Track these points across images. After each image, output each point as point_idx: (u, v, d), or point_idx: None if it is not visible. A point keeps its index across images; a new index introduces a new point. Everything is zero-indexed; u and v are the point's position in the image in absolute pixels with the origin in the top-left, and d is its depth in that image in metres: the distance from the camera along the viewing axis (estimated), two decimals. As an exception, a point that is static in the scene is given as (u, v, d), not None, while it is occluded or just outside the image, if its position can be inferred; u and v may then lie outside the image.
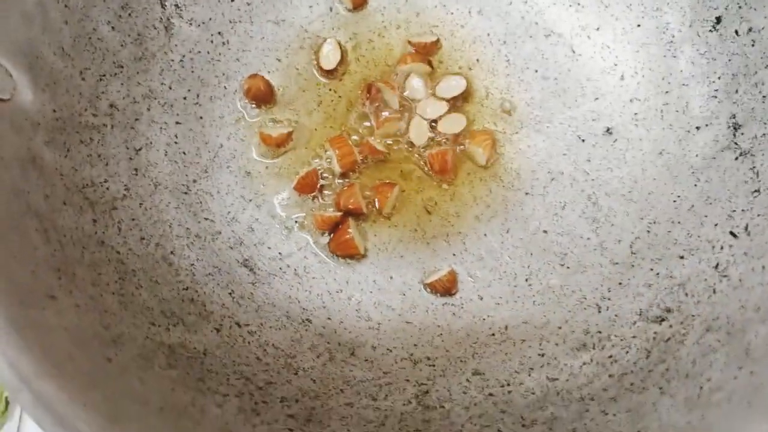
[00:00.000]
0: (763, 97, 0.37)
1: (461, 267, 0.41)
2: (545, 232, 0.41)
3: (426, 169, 0.42)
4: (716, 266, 0.35)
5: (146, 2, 0.40)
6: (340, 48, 0.44)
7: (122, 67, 0.39)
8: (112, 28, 0.39)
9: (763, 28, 0.37)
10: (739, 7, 0.38)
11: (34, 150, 0.34)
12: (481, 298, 0.40)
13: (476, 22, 0.44)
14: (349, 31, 0.44)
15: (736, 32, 0.38)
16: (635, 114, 0.41)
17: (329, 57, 0.43)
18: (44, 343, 0.28)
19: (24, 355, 0.27)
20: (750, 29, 0.38)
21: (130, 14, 0.40)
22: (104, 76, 0.38)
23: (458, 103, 0.43)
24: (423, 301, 0.40)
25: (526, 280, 0.40)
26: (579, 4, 0.43)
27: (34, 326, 0.28)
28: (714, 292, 0.35)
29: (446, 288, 0.40)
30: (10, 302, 0.28)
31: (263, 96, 0.43)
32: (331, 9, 0.44)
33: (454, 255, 0.41)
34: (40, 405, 0.26)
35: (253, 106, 0.43)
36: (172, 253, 0.38)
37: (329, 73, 0.43)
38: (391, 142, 0.42)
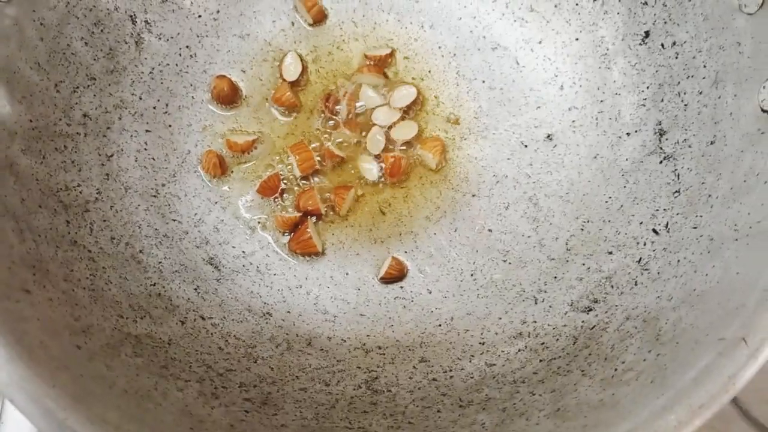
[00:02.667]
0: (685, 105, 0.40)
1: (412, 263, 0.44)
2: (490, 230, 0.44)
3: (380, 173, 0.45)
4: (639, 260, 0.39)
5: (118, 19, 0.43)
6: (301, 60, 0.47)
7: (95, 79, 0.42)
8: (86, 43, 0.42)
9: (685, 42, 0.40)
10: (665, 23, 0.41)
11: (11, 157, 0.37)
12: (430, 292, 0.43)
13: (428, 35, 0.47)
14: (309, 44, 0.47)
15: (662, 45, 0.41)
16: (573, 121, 0.44)
17: (291, 69, 0.46)
18: (17, 332, 0.31)
19: (-2, 341, 0.30)
20: (674, 43, 0.41)
21: (102, 30, 0.43)
22: (78, 88, 0.41)
23: (411, 111, 0.46)
24: (376, 295, 0.43)
25: (472, 275, 0.43)
26: (523, 19, 0.46)
27: (8, 317, 0.31)
28: (636, 284, 0.38)
29: (399, 272, 0.43)
30: (-13, 294, 0.31)
31: (226, 97, 0.46)
32: (293, 24, 0.47)
33: (405, 252, 0.44)
34: (13, 384, 0.29)
35: (219, 105, 0.45)
36: (140, 251, 0.41)
37: (291, 84, 0.46)
38: (348, 144, 0.46)
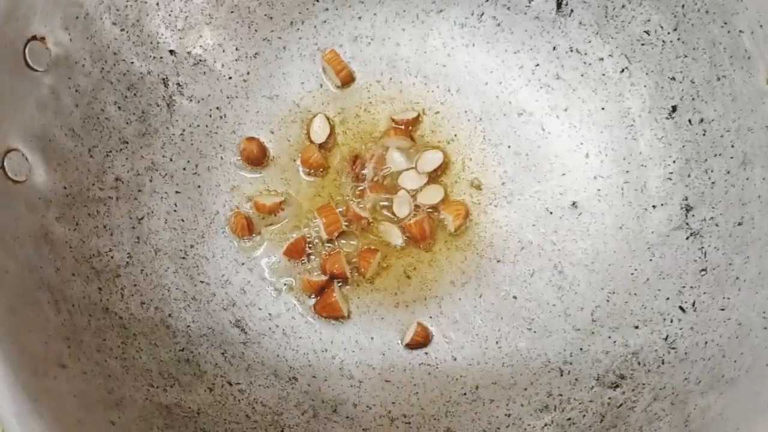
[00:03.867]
0: (712, 183, 0.40)
1: (437, 329, 0.44)
2: (515, 297, 0.44)
3: (405, 237, 0.45)
4: (666, 338, 0.39)
5: (150, 82, 0.44)
6: (329, 122, 0.47)
7: (127, 142, 0.43)
8: (119, 107, 0.42)
9: (713, 120, 0.41)
10: (693, 99, 0.42)
11: (46, 226, 0.37)
12: (455, 359, 0.43)
13: (455, 99, 0.48)
14: (337, 106, 0.48)
15: (690, 121, 0.42)
16: (598, 190, 0.45)
17: (319, 131, 0.47)
18: (56, 410, 0.31)
19: (38, 422, 0.30)
20: (701, 119, 0.41)
21: (135, 94, 0.43)
22: (111, 152, 0.42)
23: (437, 174, 0.47)
24: (401, 361, 0.44)
25: (497, 342, 0.44)
26: (549, 86, 0.47)
27: (47, 394, 0.32)
28: (662, 362, 0.38)
29: (424, 338, 0.44)
30: (25, 373, 0.32)
31: (255, 158, 0.46)
32: (321, 86, 0.48)
33: (430, 317, 0.45)
34: (53, 471, 0.29)
35: (247, 166, 0.46)
36: (170, 315, 0.42)
37: (319, 146, 0.47)
38: (374, 208, 0.46)
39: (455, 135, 0.47)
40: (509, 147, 0.47)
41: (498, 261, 0.45)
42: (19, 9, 0.36)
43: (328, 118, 0.47)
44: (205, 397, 0.39)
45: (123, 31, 0.42)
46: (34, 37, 0.37)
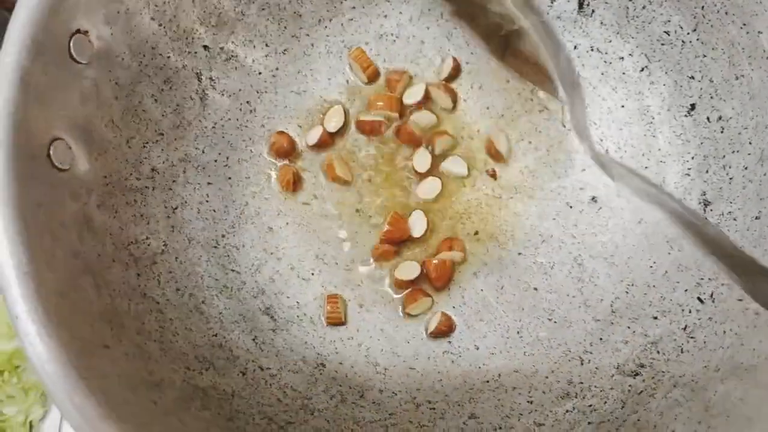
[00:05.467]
0: (730, 179, 0.42)
1: (460, 318, 0.46)
2: (536, 289, 0.46)
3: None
4: (684, 328, 0.40)
5: (185, 76, 0.45)
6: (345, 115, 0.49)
7: (163, 134, 0.44)
8: (155, 100, 0.44)
9: (731, 118, 0.42)
10: (711, 98, 0.43)
11: (88, 213, 0.39)
12: (477, 348, 0.45)
13: (478, 96, 0.49)
14: (364, 100, 0.49)
15: (708, 119, 0.43)
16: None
17: (333, 121, 0.48)
18: (103, 389, 0.33)
19: (88, 400, 0.32)
20: (720, 117, 0.43)
21: (170, 87, 0.44)
22: (147, 143, 0.43)
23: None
24: (425, 349, 0.45)
25: (518, 332, 0.45)
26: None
27: (94, 374, 0.33)
28: (682, 351, 0.40)
29: (447, 328, 0.45)
30: (74, 353, 0.33)
31: (285, 151, 0.48)
32: (347, 81, 0.49)
33: (453, 308, 0.46)
34: (104, 445, 0.30)
35: (277, 159, 0.47)
36: (203, 302, 0.43)
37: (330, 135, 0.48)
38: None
39: (477, 130, 0.49)
40: (530, 143, 0.48)
41: (519, 254, 0.47)
42: (65, 4, 0.38)
43: (345, 111, 0.48)
44: (239, 380, 0.41)
45: (161, 26, 0.43)
46: (78, 31, 0.38)
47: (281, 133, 0.47)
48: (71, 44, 0.38)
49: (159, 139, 0.44)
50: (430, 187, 0.48)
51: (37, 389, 0.51)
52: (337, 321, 0.45)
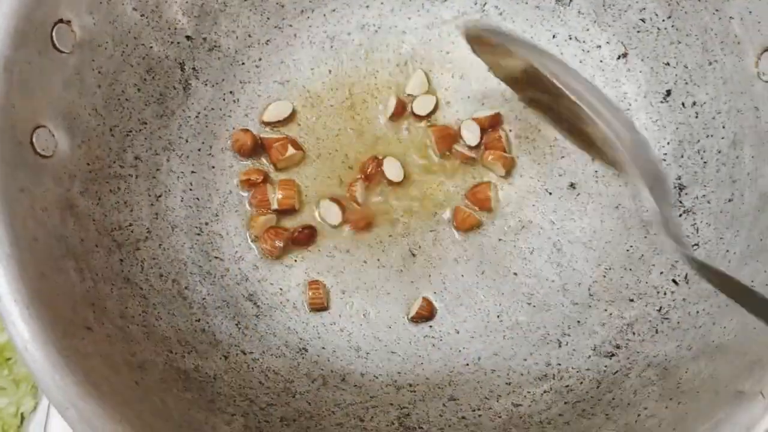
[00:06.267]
0: (704, 162, 0.43)
1: (441, 303, 0.46)
2: (515, 274, 0.46)
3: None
4: (659, 309, 0.41)
5: (168, 66, 0.46)
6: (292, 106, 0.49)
7: (146, 123, 0.45)
8: (138, 89, 0.44)
9: (705, 103, 0.43)
10: (686, 83, 0.44)
11: (71, 199, 0.39)
12: (458, 332, 0.45)
13: (459, 85, 0.50)
14: (345, 91, 0.50)
15: (683, 104, 0.44)
16: (596, 171, 0.47)
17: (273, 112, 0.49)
18: (85, 368, 0.33)
19: (69, 378, 0.32)
20: (694, 102, 0.44)
21: (153, 77, 0.45)
22: (131, 131, 0.44)
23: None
24: (406, 334, 0.46)
25: (498, 316, 0.46)
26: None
27: (76, 354, 0.34)
28: (656, 332, 0.40)
29: (428, 313, 0.46)
30: (56, 333, 0.34)
31: (247, 150, 0.48)
32: (329, 71, 0.50)
33: (434, 293, 0.47)
34: (83, 421, 0.31)
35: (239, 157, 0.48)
36: (186, 288, 0.44)
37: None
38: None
39: (458, 118, 0.49)
40: (510, 131, 0.49)
41: (499, 240, 0.47)
42: (47, -7, 0.38)
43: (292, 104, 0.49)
44: (221, 364, 0.41)
45: (143, 16, 0.44)
46: (60, 20, 0.39)
47: (244, 130, 0.47)
48: (54, 33, 0.39)
49: (142, 128, 0.45)
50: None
51: (28, 381, 0.52)
52: (319, 306, 0.46)
